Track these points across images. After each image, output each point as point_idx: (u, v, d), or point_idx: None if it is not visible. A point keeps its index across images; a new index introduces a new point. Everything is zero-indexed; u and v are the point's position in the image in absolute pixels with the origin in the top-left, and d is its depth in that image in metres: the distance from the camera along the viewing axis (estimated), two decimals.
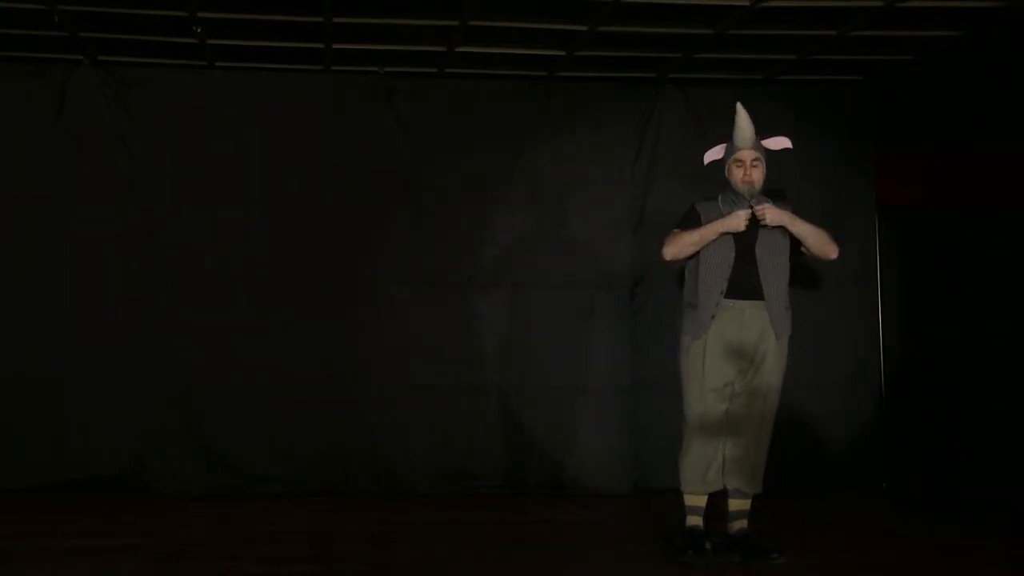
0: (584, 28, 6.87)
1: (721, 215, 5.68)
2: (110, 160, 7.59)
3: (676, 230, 5.75)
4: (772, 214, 5.59)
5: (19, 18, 6.76)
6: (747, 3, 6.41)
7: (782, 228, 5.66)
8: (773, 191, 5.90)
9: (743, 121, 5.64)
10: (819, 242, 5.72)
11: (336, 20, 6.75)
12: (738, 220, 5.59)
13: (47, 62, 7.52)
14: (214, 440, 7.57)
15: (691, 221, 5.74)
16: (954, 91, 7.72)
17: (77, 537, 6.18)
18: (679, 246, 5.69)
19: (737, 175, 5.67)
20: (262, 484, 7.51)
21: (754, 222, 5.63)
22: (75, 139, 7.55)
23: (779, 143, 5.73)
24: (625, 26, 6.85)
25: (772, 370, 5.70)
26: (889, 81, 7.93)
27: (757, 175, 5.67)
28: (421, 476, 7.68)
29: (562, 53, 7.37)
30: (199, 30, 6.90)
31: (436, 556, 5.91)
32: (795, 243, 5.72)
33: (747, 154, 5.65)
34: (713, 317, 5.63)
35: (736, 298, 5.63)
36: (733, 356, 5.65)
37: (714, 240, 5.65)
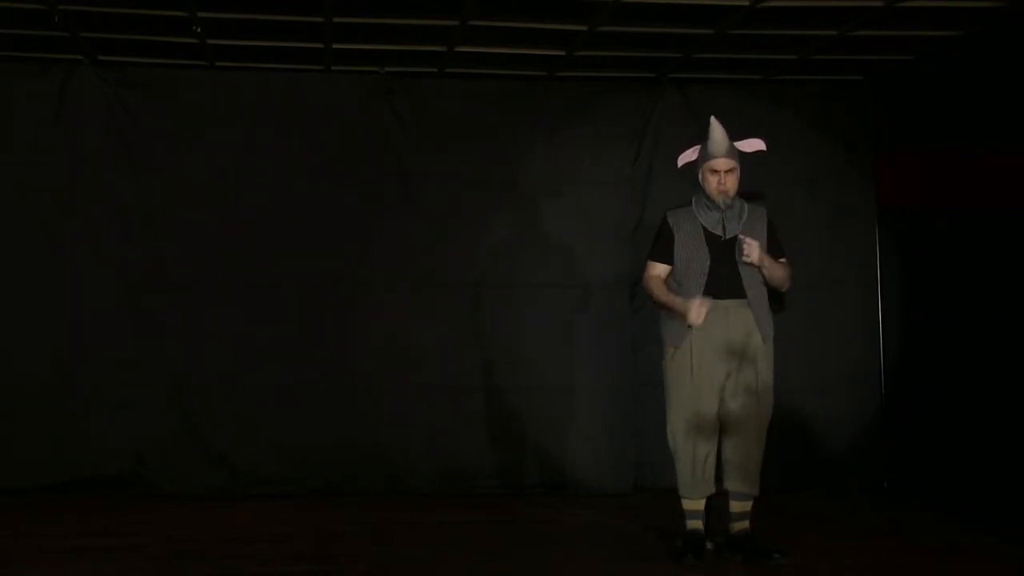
0: (584, 28, 6.87)
1: (695, 223, 5.73)
2: (110, 160, 7.60)
3: (652, 264, 5.85)
4: (755, 254, 5.62)
5: (19, 18, 6.76)
6: (747, 3, 6.41)
7: (760, 235, 5.72)
8: (750, 194, 5.91)
9: (718, 134, 5.66)
10: (779, 281, 5.80)
11: (336, 20, 6.75)
12: (698, 315, 5.59)
13: (47, 62, 7.52)
14: (214, 440, 7.57)
15: (664, 239, 5.81)
16: (954, 91, 7.72)
17: (77, 537, 6.19)
18: (650, 293, 5.88)
19: (712, 183, 5.70)
20: (262, 484, 7.51)
21: (733, 230, 5.68)
22: (75, 139, 7.55)
23: (753, 145, 5.73)
24: (625, 26, 6.85)
25: (764, 369, 5.71)
26: (889, 81, 7.93)
27: (731, 182, 5.70)
28: (421, 476, 7.68)
29: (562, 53, 7.37)
30: (199, 30, 6.90)
31: (436, 556, 5.91)
32: (771, 245, 5.77)
33: (722, 163, 5.68)
34: (691, 326, 5.65)
35: (718, 298, 5.65)
36: (722, 354, 5.65)
37: (691, 244, 5.70)
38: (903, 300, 8.03)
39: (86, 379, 7.47)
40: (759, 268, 5.69)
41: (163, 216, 7.61)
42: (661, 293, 5.78)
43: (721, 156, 5.67)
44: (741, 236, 5.63)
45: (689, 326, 5.65)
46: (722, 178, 5.68)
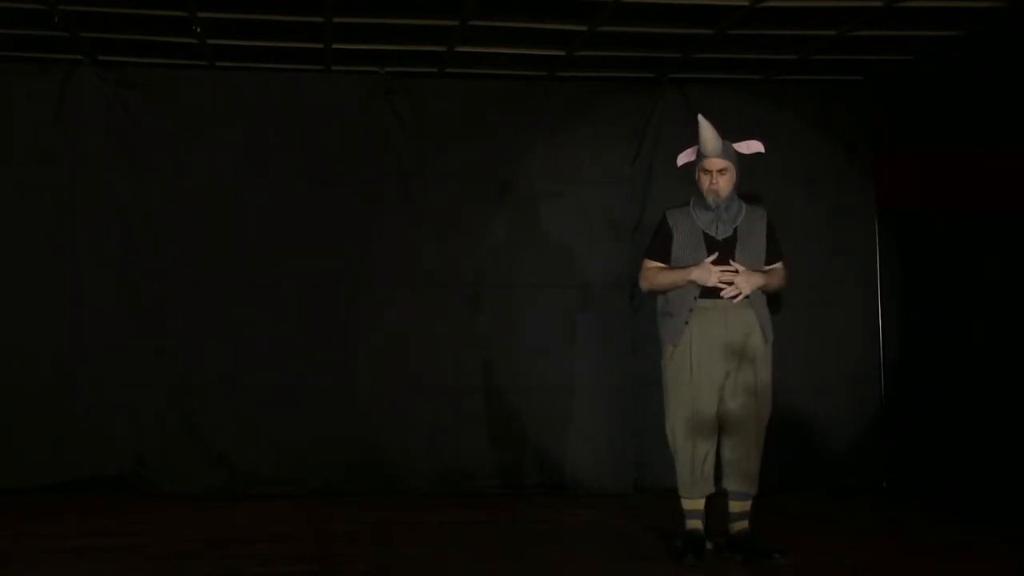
0: (584, 28, 6.87)
1: (693, 223, 5.72)
2: (110, 160, 7.59)
3: (648, 261, 5.81)
4: (745, 285, 5.60)
5: (19, 18, 6.76)
6: (747, 3, 6.41)
7: (759, 236, 5.73)
8: (748, 195, 5.91)
9: (706, 132, 5.64)
10: (775, 288, 5.84)
11: (336, 20, 6.75)
12: (708, 273, 5.59)
13: (47, 62, 7.51)
14: (214, 440, 7.57)
15: (663, 237, 5.79)
16: (954, 91, 7.72)
17: (77, 537, 6.19)
18: (652, 284, 5.81)
19: (704, 183, 5.69)
20: (262, 484, 7.50)
21: (725, 231, 5.68)
22: (75, 139, 7.55)
23: (751, 147, 5.71)
24: (625, 26, 6.85)
25: (763, 369, 5.70)
26: (889, 81, 7.93)
27: (723, 183, 5.67)
28: (421, 476, 7.68)
29: (562, 53, 7.37)
30: (199, 30, 6.90)
31: (436, 556, 5.91)
32: (770, 246, 5.78)
33: (714, 163, 5.67)
34: (687, 323, 5.65)
35: (719, 297, 5.64)
36: (721, 354, 5.64)
37: (690, 244, 5.70)
38: (903, 300, 8.03)
39: (86, 379, 7.47)
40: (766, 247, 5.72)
41: (163, 216, 7.61)
42: (666, 275, 5.73)
43: (711, 156, 5.65)
44: (724, 291, 5.59)
45: (693, 303, 5.64)
46: (714, 178, 5.67)
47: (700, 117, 5.67)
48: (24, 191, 7.49)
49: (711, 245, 5.68)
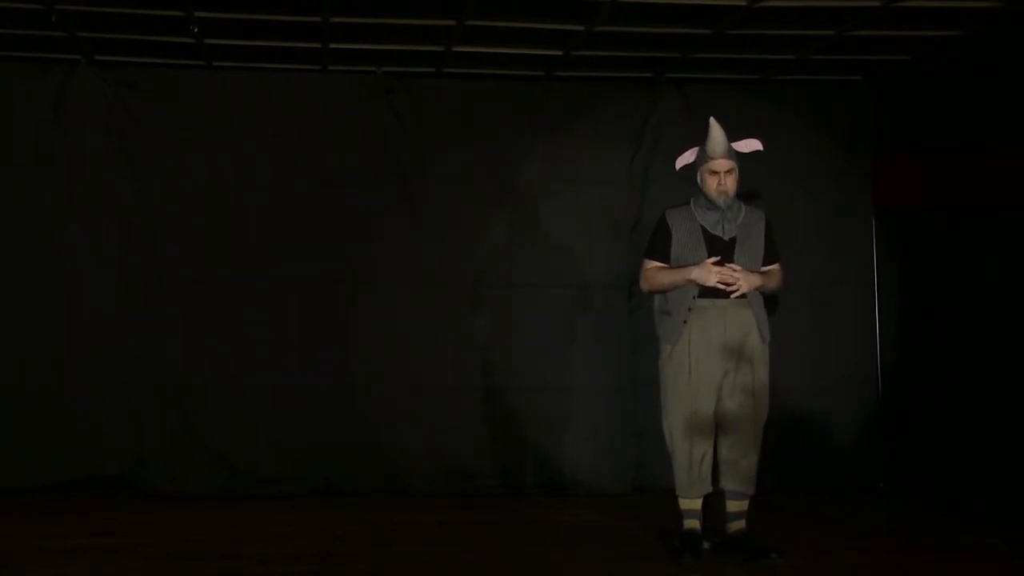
0: (582, 28, 6.88)
1: (693, 223, 5.73)
2: (110, 160, 7.60)
3: (648, 262, 5.82)
4: (746, 283, 5.62)
5: (19, 18, 6.76)
6: (745, 3, 6.41)
7: (758, 236, 5.75)
8: (748, 194, 5.92)
9: (717, 133, 5.66)
10: (772, 290, 5.86)
11: (334, 20, 6.75)
12: (708, 273, 5.60)
13: (47, 62, 7.52)
14: (214, 440, 7.57)
15: (662, 237, 5.80)
16: (953, 91, 7.71)
17: (77, 537, 6.20)
18: (652, 284, 5.83)
19: (712, 184, 5.70)
20: (262, 484, 7.51)
21: (731, 231, 5.69)
22: (75, 139, 7.56)
23: (750, 146, 5.74)
24: (623, 26, 6.85)
25: (761, 369, 5.71)
26: (888, 81, 7.93)
27: (731, 183, 5.71)
28: (421, 476, 7.69)
29: (560, 53, 7.37)
30: (195, 30, 6.90)
31: (436, 556, 5.92)
32: (768, 247, 5.80)
33: (722, 163, 5.68)
34: (685, 322, 5.67)
35: (717, 297, 5.65)
36: (719, 354, 5.65)
37: (690, 244, 5.70)
38: (902, 300, 8.02)
39: (86, 379, 7.47)
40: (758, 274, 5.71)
41: (163, 216, 7.61)
42: (666, 275, 5.74)
43: (720, 157, 5.67)
44: (721, 284, 5.60)
45: (691, 302, 5.65)
46: (722, 179, 5.69)
47: (712, 120, 5.68)
48: (24, 191, 7.49)
49: (712, 244, 5.69)
